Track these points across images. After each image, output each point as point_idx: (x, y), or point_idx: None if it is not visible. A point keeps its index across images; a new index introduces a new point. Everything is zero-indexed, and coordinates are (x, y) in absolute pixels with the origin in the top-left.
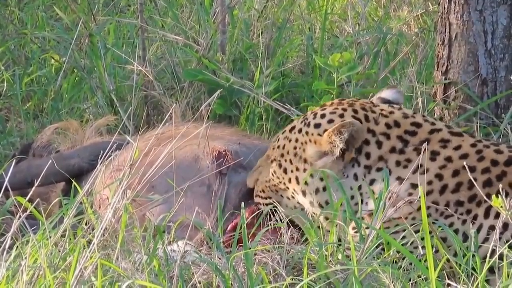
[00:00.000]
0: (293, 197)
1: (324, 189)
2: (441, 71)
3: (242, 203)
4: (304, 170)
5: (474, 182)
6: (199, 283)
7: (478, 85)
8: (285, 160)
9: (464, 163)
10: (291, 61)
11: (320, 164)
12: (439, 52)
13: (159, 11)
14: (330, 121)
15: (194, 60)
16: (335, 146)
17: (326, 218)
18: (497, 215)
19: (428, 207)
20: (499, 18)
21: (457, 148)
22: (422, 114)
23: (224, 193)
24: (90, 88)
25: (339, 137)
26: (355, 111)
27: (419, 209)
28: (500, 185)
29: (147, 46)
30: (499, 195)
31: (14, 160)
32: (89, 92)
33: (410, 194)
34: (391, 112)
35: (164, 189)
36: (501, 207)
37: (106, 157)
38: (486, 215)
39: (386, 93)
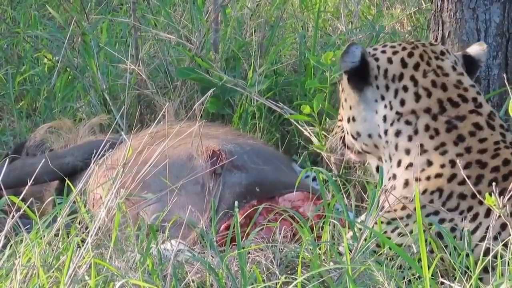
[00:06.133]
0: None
1: (354, 119)
2: None
3: (236, 202)
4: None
5: (470, 183)
6: (193, 282)
7: None
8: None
9: (458, 161)
10: (284, 59)
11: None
12: None
13: (151, 10)
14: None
15: (187, 59)
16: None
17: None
18: (498, 216)
19: (432, 192)
20: (492, 16)
21: (482, 141)
22: (477, 91)
23: (218, 193)
24: (83, 87)
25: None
26: (411, 54)
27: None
28: (493, 184)
29: (140, 45)
30: (492, 192)
31: (7, 159)
32: (82, 91)
33: (423, 170)
34: (446, 74)
35: (158, 188)
36: (494, 205)
37: (100, 155)
38: (487, 214)
39: (472, 49)
